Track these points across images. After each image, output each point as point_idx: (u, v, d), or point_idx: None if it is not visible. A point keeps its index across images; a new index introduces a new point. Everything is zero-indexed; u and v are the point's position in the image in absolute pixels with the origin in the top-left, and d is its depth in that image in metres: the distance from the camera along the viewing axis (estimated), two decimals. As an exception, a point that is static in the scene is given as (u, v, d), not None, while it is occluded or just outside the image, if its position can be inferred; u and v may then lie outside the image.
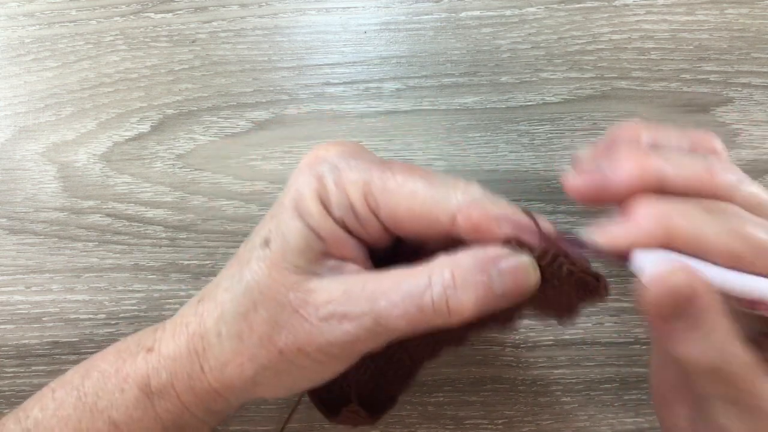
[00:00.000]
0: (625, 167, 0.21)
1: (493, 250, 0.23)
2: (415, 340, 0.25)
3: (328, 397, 0.30)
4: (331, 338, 0.23)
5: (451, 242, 0.24)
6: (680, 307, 0.20)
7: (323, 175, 0.23)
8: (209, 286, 0.26)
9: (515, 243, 0.23)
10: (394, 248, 0.26)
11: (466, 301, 0.22)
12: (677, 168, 0.21)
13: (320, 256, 0.23)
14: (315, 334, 0.23)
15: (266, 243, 0.23)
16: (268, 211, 0.25)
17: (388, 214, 0.23)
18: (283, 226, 0.23)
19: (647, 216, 0.21)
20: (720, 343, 0.20)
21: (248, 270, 0.24)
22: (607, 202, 0.22)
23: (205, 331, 0.24)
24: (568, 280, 0.23)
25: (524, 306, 0.25)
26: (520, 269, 0.23)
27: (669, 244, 0.20)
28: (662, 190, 0.21)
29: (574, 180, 0.23)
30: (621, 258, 0.21)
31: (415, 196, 0.23)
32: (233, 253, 0.26)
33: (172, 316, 0.27)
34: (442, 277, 0.22)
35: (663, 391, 0.25)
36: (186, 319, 0.25)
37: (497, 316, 0.24)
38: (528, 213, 0.23)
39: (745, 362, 0.20)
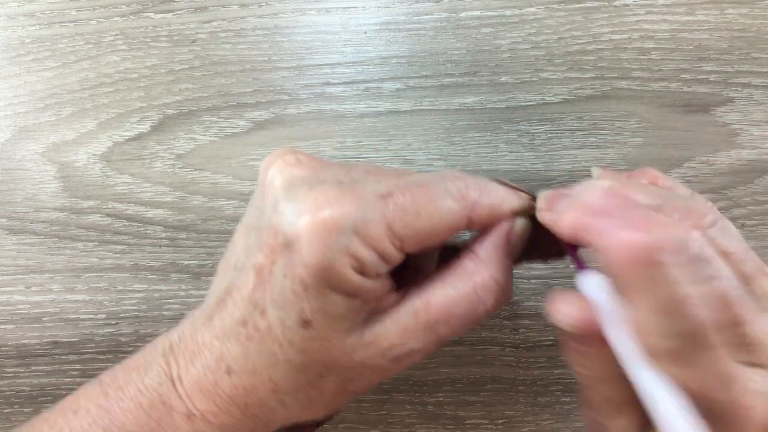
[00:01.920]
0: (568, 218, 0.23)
1: (502, 231, 0.25)
2: None
3: None
4: (402, 368, 0.24)
5: None
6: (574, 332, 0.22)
7: (349, 246, 0.22)
8: (229, 352, 0.23)
9: (516, 215, 0.25)
10: None
11: (508, 291, 0.25)
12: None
13: (363, 310, 0.23)
14: (388, 371, 0.24)
15: (306, 324, 0.22)
16: (264, 286, 0.23)
17: (413, 241, 0.23)
18: (320, 304, 0.22)
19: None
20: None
21: (295, 350, 0.23)
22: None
23: (261, 403, 0.24)
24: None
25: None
26: (523, 234, 0.25)
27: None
28: None
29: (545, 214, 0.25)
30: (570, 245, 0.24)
31: (432, 218, 0.23)
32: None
33: (171, 315, 0.26)
34: (486, 287, 0.24)
35: None
36: (226, 391, 0.24)
37: None
38: (507, 184, 0.26)
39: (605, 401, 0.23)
